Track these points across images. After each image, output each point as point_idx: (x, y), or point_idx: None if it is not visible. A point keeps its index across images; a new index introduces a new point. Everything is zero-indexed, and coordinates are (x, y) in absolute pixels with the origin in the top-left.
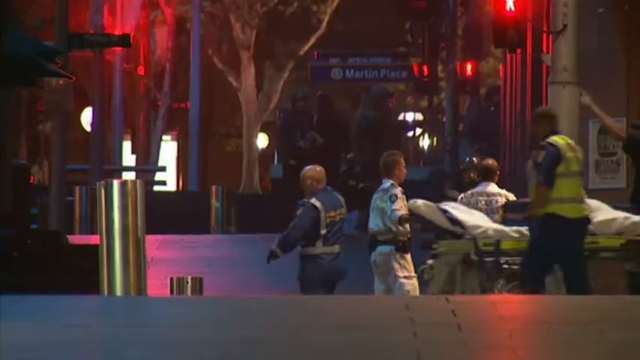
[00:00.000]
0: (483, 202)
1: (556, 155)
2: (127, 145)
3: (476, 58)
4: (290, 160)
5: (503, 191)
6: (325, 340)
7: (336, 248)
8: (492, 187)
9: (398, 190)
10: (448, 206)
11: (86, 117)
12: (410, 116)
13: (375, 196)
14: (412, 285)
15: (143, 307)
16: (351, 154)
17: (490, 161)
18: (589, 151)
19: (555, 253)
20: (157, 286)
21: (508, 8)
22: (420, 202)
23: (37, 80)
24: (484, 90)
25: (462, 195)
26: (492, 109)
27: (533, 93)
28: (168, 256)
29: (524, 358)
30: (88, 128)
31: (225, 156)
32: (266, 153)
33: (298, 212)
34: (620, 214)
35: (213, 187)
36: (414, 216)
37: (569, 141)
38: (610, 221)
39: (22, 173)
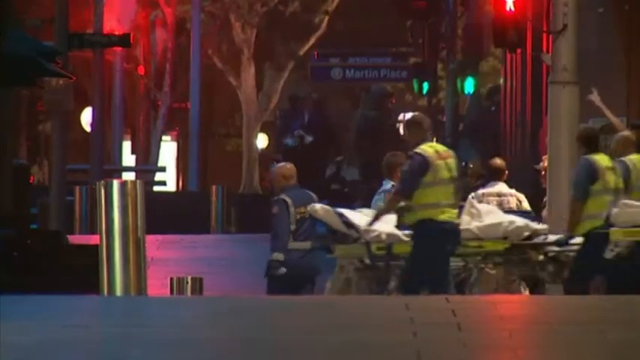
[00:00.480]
0: (495, 203)
1: (421, 164)
2: (126, 145)
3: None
4: (276, 156)
5: (514, 191)
6: (325, 340)
7: (307, 245)
8: (502, 187)
9: None
10: (345, 210)
11: (86, 117)
12: (410, 116)
13: (376, 197)
14: None
15: (143, 307)
16: (340, 157)
17: (498, 161)
18: None
19: (433, 256)
20: (157, 286)
21: (508, 8)
22: (317, 205)
23: (37, 80)
24: (485, 90)
25: (472, 195)
26: (493, 108)
27: (533, 93)
28: (169, 256)
29: (524, 358)
30: (87, 128)
31: (225, 156)
32: (266, 153)
33: (274, 211)
34: (507, 219)
35: (213, 187)
36: (312, 220)
37: (440, 148)
38: (496, 225)
39: (22, 173)
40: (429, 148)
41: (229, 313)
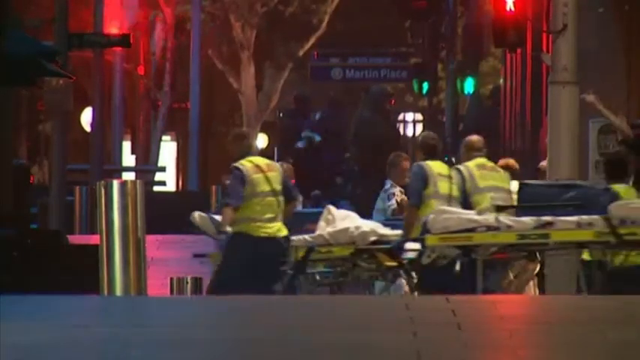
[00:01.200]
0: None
1: (239, 178)
2: (126, 145)
3: (476, 57)
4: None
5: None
6: (325, 340)
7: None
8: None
9: (397, 189)
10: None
11: (86, 117)
12: (410, 116)
13: (381, 196)
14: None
15: (143, 307)
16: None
17: (511, 161)
18: (589, 151)
19: (243, 271)
20: (157, 286)
21: (508, 8)
22: (196, 213)
23: (37, 80)
24: (486, 90)
25: None
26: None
27: (533, 93)
28: (168, 256)
29: (524, 358)
30: (87, 128)
31: (225, 156)
32: (266, 153)
33: None
34: (355, 224)
35: (213, 187)
36: (192, 227)
37: (262, 162)
38: (344, 231)
39: (22, 173)
40: (248, 163)
41: (229, 313)
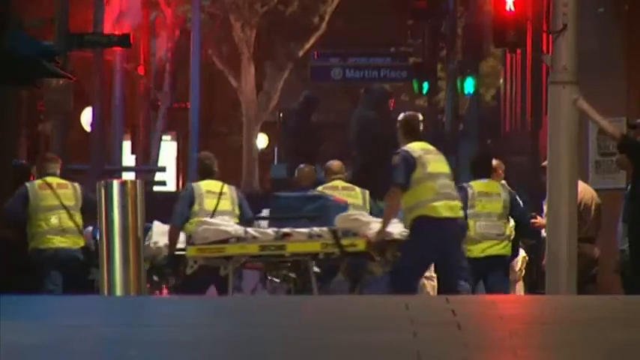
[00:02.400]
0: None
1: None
2: (126, 145)
3: (476, 57)
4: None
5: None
6: (325, 339)
7: None
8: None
9: None
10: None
11: (86, 117)
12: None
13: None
14: (432, 285)
15: (143, 307)
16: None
17: (495, 161)
18: (589, 151)
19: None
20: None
21: (508, 8)
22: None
23: (37, 80)
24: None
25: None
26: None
27: (533, 93)
28: None
29: (524, 358)
30: (87, 128)
31: (225, 156)
32: (266, 153)
33: None
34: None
35: None
36: None
37: (54, 180)
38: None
39: (22, 173)
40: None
41: (229, 313)
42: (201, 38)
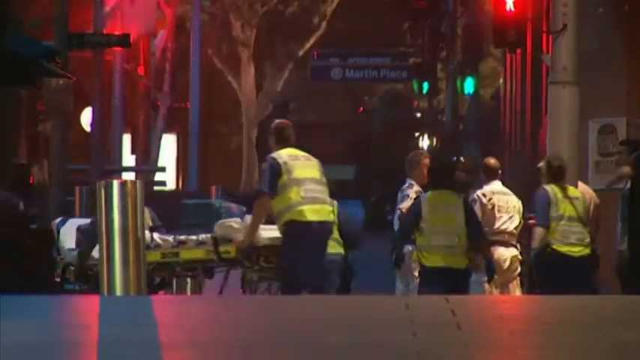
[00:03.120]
0: (504, 201)
1: None
2: (126, 145)
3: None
4: None
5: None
6: (325, 340)
7: None
8: (502, 186)
9: (412, 191)
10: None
11: (86, 117)
12: None
13: (400, 195)
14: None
15: (143, 307)
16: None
17: (492, 160)
18: (589, 151)
19: None
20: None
21: (508, 8)
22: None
23: (37, 80)
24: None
25: (481, 193)
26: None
27: (533, 93)
28: None
29: (524, 358)
30: (87, 128)
31: (225, 156)
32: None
33: None
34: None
35: (213, 187)
36: None
37: None
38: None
39: (22, 173)
40: None
41: (229, 314)
42: (201, 38)
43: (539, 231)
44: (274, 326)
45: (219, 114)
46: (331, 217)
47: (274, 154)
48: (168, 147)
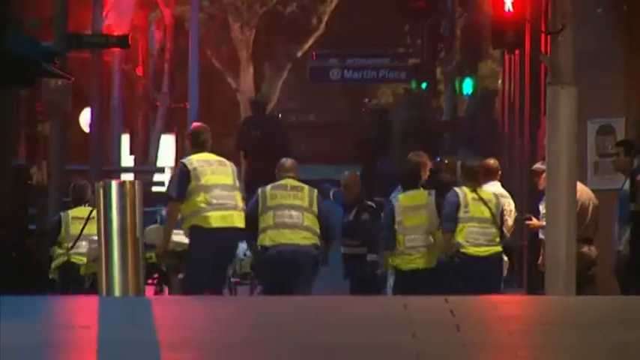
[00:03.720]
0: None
1: None
2: (125, 146)
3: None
4: None
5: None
6: (325, 340)
7: None
8: (500, 188)
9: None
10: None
11: (85, 118)
12: None
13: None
14: None
15: (143, 307)
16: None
17: (492, 161)
18: (588, 152)
19: None
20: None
21: (506, 9)
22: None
23: (35, 81)
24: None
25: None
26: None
27: (531, 94)
28: None
29: (524, 359)
30: (86, 129)
31: (224, 156)
32: None
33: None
34: None
35: None
36: None
37: None
38: None
39: (21, 174)
40: None
41: (229, 313)
42: (199, 38)
43: (446, 237)
44: (274, 326)
45: (218, 114)
46: (239, 224)
47: (185, 160)
48: (167, 147)
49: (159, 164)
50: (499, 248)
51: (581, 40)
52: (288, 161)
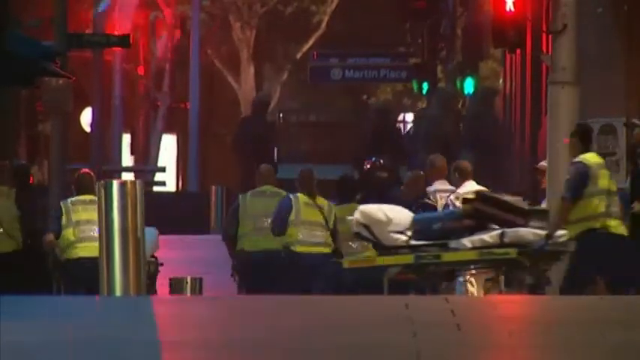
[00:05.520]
0: None
1: None
2: (126, 146)
3: (475, 57)
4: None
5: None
6: (325, 340)
7: None
8: (476, 185)
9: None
10: None
11: (86, 117)
12: (409, 117)
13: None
14: None
15: (143, 307)
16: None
17: (465, 162)
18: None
19: None
20: (157, 286)
21: (508, 8)
22: None
23: (36, 80)
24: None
25: (455, 197)
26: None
27: (532, 93)
28: (169, 256)
29: (524, 359)
30: (87, 129)
31: (225, 156)
32: None
33: None
34: None
35: (213, 187)
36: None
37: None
38: None
39: (22, 174)
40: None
41: (229, 313)
42: (200, 38)
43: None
44: (274, 326)
45: (219, 114)
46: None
47: (67, 199)
48: (167, 147)
49: (160, 164)
50: (330, 249)
51: (582, 40)
52: (264, 167)
